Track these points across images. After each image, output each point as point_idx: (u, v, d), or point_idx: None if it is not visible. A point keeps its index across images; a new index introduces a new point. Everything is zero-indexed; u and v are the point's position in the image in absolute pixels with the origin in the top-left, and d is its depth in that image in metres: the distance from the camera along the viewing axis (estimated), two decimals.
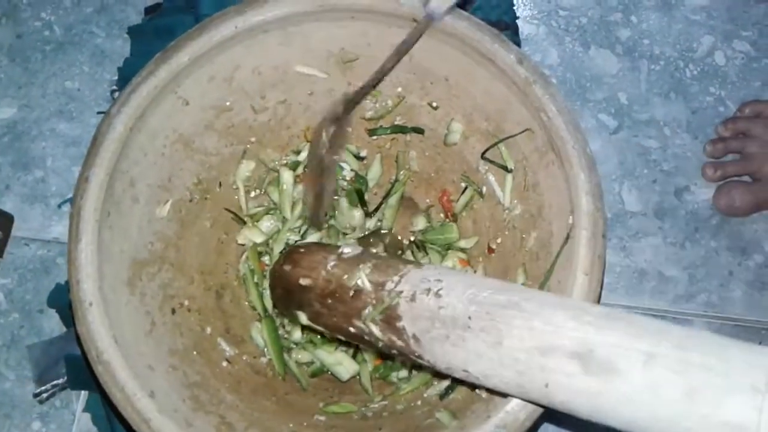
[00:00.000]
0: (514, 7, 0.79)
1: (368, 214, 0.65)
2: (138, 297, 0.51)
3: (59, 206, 0.76)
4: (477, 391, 0.49)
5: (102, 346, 0.44)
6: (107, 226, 0.49)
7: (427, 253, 0.63)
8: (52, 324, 0.72)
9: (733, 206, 0.72)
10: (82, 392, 0.69)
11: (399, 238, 0.66)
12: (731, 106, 0.77)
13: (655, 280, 0.72)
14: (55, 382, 0.69)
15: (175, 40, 0.51)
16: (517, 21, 0.79)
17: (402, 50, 0.52)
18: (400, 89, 0.60)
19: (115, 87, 0.80)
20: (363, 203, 0.65)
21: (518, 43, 0.77)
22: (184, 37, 0.51)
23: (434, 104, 0.59)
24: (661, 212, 0.74)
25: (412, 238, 0.65)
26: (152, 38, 0.80)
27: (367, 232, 0.65)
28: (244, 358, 0.57)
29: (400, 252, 0.65)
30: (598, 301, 0.47)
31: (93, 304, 0.45)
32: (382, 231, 0.64)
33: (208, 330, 0.56)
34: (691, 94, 0.78)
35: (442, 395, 0.52)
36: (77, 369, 0.68)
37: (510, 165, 0.56)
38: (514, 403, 0.42)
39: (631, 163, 0.76)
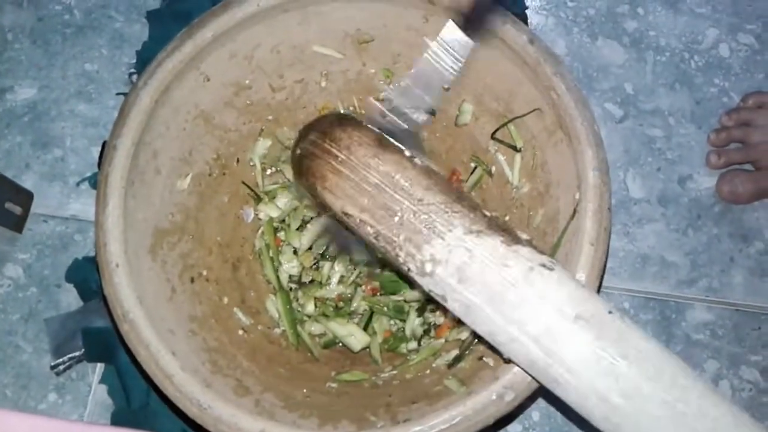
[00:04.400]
0: None
1: None
2: (159, 264, 0.53)
3: (77, 184, 0.78)
4: (485, 359, 0.51)
5: (128, 305, 0.46)
6: (131, 194, 0.51)
7: None
8: (70, 298, 0.74)
9: (735, 193, 0.73)
10: (99, 365, 0.71)
11: None
12: (735, 97, 0.79)
13: (657, 265, 0.74)
14: (71, 354, 0.71)
15: (200, 17, 0.53)
16: (526, 11, 0.81)
17: None
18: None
19: (133, 70, 0.82)
20: None
21: None
22: (209, 13, 0.53)
23: (445, 86, 0.61)
24: (665, 199, 0.76)
25: None
26: (170, 23, 0.82)
27: None
28: (259, 328, 0.59)
29: None
30: (603, 274, 0.49)
31: (119, 265, 0.47)
32: None
33: (225, 300, 0.58)
34: (696, 85, 0.79)
35: (450, 364, 0.54)
36: (94, 342, 0.70)
37: (519, 144, 0.58)
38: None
39: (635, 152, 0.77)
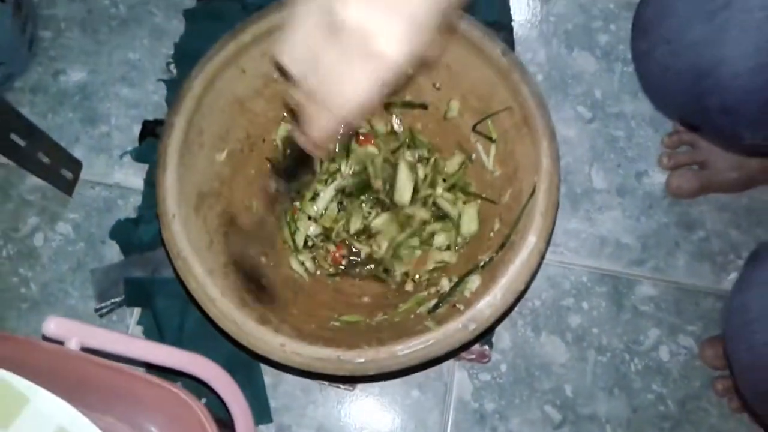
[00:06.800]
0: (511, 12, 0.92)
1: None
2: (201, 220, 0.65)
3: (120, 157, 0.90)
4: (457, 305, 0.63)
5: (181, 245, 0.58)
6: (183, 163, 0.63)
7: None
8: (113, 253, 0.85)
9: (681, 188, 0.84)
10: (136, 309, 0.82)
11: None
12: None
13: (613, 247, 0.84)
14: (113, 300, 0.81)
15: (242, 23, 0.65)
16: (512, 23, 0.92)
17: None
18: (410, 71, 0.74)
19: (170, 60, 0.94)
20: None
21: (512, 43, 0.90)
22: (249, 20, 0.65)
23: (437, 85, 0.73)
24: (623, 191, 0.86)
25: None
26: (204, 20, 0.93)
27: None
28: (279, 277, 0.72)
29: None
30: (550, 240, 0.60)
31: (175, 216, 0.59)
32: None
33: (251, 252, 0.71)
34: None
35: (430, 311, 0.67)
36: (133, 290, 0.81)
37: (494, 136, 0.70)
38: (482, 304, 0.57)
39: (600, 149, 0.88)
